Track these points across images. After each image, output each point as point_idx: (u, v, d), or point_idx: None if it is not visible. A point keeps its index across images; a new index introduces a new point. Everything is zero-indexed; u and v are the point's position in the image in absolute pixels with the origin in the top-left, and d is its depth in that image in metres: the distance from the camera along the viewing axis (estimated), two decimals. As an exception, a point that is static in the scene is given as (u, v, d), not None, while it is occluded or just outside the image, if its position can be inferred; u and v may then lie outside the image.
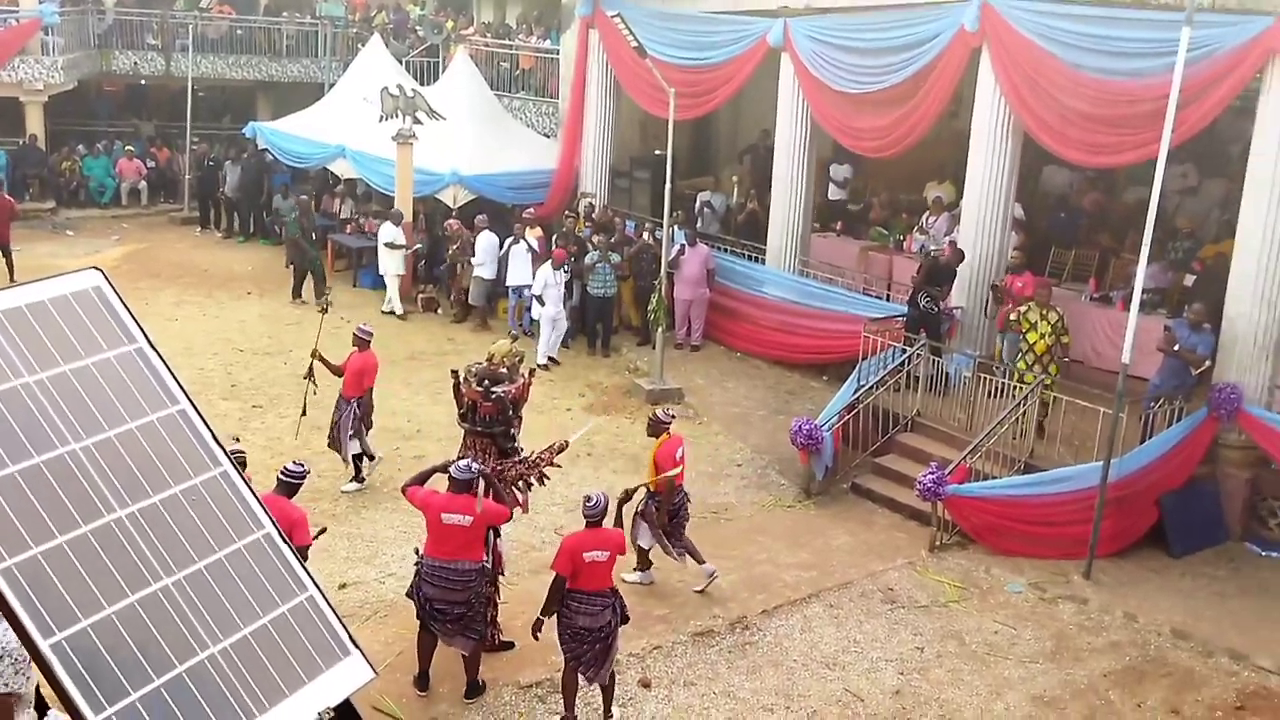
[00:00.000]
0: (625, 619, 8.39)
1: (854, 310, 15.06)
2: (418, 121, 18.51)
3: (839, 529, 11.81)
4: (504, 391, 9.54)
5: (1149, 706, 9.05)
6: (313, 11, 28.82)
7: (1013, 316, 12.77)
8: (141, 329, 3.33)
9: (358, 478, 12.25)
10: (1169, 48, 10.35)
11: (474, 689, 8.64)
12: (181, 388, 3.32)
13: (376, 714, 8.16)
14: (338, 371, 12.26)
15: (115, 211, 24.63)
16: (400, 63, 23.62)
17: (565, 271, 16.87)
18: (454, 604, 8.28)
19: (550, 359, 16.38)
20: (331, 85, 24.77)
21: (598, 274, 16.72)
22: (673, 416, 10.27)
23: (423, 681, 8.66)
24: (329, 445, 12.31)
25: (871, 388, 13.03)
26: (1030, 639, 9.87)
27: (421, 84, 21.86)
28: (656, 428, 10.11)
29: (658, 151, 18.44)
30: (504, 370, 9.82)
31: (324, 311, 12.97)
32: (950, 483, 11.19)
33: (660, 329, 15.49)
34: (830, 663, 9.36)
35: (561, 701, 8.40)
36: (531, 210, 18.59)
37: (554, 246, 17.08)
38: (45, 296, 3.12)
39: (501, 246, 17.63)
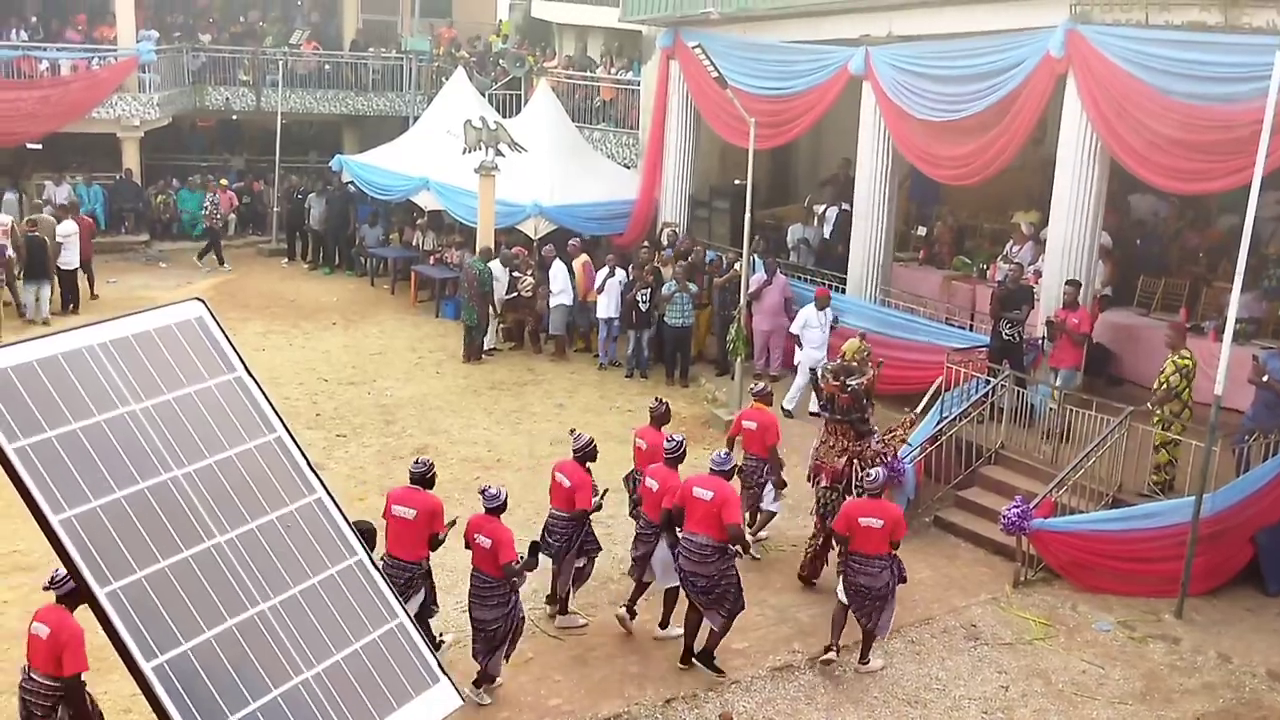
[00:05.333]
0: (903, 579, 9.48)
1: (936, 340, 14.89)
2: (500, 154, 18.75)
3: (921, 563, 11.62)
4: (857, 384, 10.70)
5: (1246, 750, 8.78)
6: (398, 46, 29.41)
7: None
8: (240, 357, 3.42)
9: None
10: (1262, 72, 10.12)
11: (707, 658, 9.41)
12: (278, 415, 3.39)
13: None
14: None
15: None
16: (483, 95, 23.97)
17: (644, 300, 16.96)
18: (699, 575, 9.07)
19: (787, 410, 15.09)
20: (416, 118, 25.25)
21: (676, 304, 16.76)
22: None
23: (686, 656, 9.50)
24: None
25: (955, 419, 12.86)
26: (1119, 679, 9.62)
27: (504, 116, 22.16)
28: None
29: (738, 181, 18.44)
30: (855, 365, 11.10)
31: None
32: (1035, 517, 10.99)
33: (739, 359, 15.46)
34: (912, 701, 9.21)
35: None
36: (576, 242, 18.65)
37: (630, 272, 17.18)
38: (150, 326, 3.21)
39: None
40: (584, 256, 18.35)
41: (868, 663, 9.58)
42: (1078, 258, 13.78)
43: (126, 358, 3.10)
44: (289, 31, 29.55)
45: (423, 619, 8.89)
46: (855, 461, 10.70)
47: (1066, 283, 13.57)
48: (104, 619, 2.75)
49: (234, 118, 28.81)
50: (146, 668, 2.73)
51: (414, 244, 22.42)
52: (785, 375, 17.17)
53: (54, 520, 2.76)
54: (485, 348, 17.99)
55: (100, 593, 2.75)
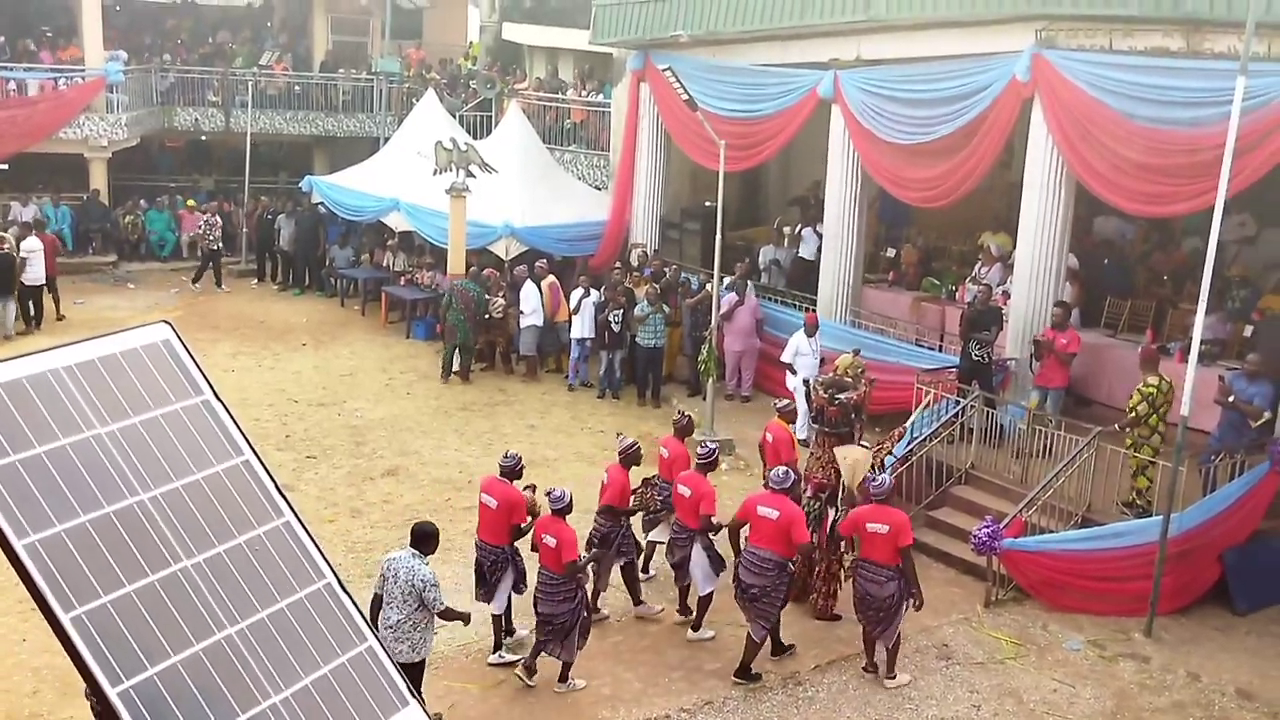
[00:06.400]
0: (915, 601, 9.47)
1: (906, 361, 14.97)
2: (471, 175, 18.75)
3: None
4: (846, 398, 10.85)
5: (1215, 768, 8.82)
6: (368, 67, 29.40)
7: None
8: (208, 381, 3.39)
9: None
10: (1224, 96, 10.29)
11: (744, 672, 9.63)
12: (246, 439, 3.37)
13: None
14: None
15: (175, 264, 25.08)
16: (454, 117, 23.98)
17: (615, 321, 16.96)
18: (754, 586, 9.42)
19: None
20: (386, 140, 25.22)
21: (648, 325, 16.77)
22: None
23: (777, 649, 9.97)
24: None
25: (925, 440, 12.92)
26: (1090, 698, 9.66)
27: (475, 138, 22.18)
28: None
29: (708, 203, 18.55)
30: (848, 380, 11.23)
31: None
32: (1006, 536, 11.05)
33: (710, 380, 15.48)
34: (885, 720, 9.22)
35: None
36: (544, 262, 18.66)
37: (603, 295, 17.20)
38: (116, 350, 3.19)
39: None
40: (551, 277, 18.36)
41: (893, 677, 9.69)
42: (1045, 279, 13.91)
43: (92, 381, 3.07)
44: (258, 52, 29.47)
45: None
46: (837, 474, 10.75)
47: (1055, 304, 13.75)
48: (68, 644, 2.72)
49: (203, 138, 28.68)
50: (112, 694, 2.70)
51: (384, 265, 22.34)
52: (757, 396, 17.24)
53: (18, 545, 2.73)
54: (455, 368, 17.90)
55: (64, 618, 2.72)
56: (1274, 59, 11.33)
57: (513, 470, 9.72)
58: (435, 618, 8.26)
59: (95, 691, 2.68)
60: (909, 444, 12.93)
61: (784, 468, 9.82)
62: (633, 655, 10.05)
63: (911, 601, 9.51)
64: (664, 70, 15.55)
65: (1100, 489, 11.90)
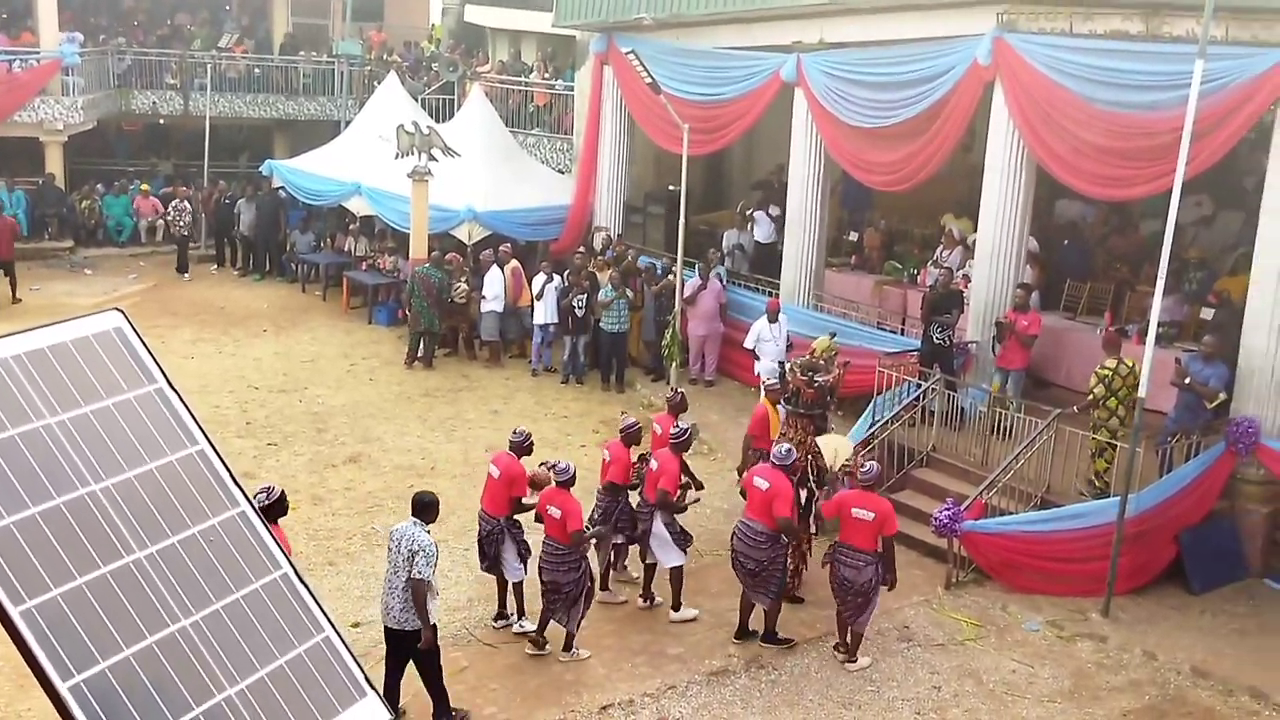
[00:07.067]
0: (888, 583, 9.60)
1: (868, 345, 15.03)
2: (433, 158, 18.61)
3: (855, 565, 11.72)
4: (824, 380, 10.96)
5: (1171, 745, 8.95)
6: (329, 50, 29.09)
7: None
8: (161, 369, 3.34)
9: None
10: (1183, 80, 10.36)
11: (770, 638, 9.98)
12: (200, 427, 3.32)
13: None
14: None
15: (133, 250, 24.75)
16: (416, 100, 23.78)
17: (579, 306, 16.92)
18: (748, 558, 9.68)
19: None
20: (348, 123, 24.97)
21: (612, 310, 16.74)
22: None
23: (741, 631, 10.10)
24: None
25: (886, 423, 12.99)
26: (1048, 678, 9.77)
27: (437, 121, 22.00)
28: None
29: (672, 187, 18.52)
30: (823, 362, 11.43)
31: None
32: (966, 518, 11.14)
33: (674, 364, 15.47)
34: (846, 703, 9.28)
35: None
36: (507, 247, 18.59)
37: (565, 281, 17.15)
38: (67, 338, 3.13)
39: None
40: (514, 262, 18.29)
41: (855, 660, 9.76)
42: (1006, 262, 14.00)
43: (42, 370, 3.02)
44: (217, 34, 29.09)
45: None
46: (810, 456, 10.75)
47: (1018, 286, 13.87)
48: (18, 638, 2.68)
49: (161, 122, 28.28)
50: (62, 688, 2.66)
51: (346, 250, 22.18)
52: (720, 381, 17.26)
53: (-35, 538, 2.68)
54: (420, 354, 17.83)
55: (14, 611, 2.68)
56: (1232, 42, 11.43)
57: (521, 446, 10.04)
58: (435, 580, 8.44)
59: (45, 685, 2.64)
60: (870, 426, 13.01)
61: (787, 445, 10.01)
62: (596, 640, 10.05)
63: (884, 585, 9.61)
64: (627, 53, 15.51)
65: (1059, 471, 12.00)
